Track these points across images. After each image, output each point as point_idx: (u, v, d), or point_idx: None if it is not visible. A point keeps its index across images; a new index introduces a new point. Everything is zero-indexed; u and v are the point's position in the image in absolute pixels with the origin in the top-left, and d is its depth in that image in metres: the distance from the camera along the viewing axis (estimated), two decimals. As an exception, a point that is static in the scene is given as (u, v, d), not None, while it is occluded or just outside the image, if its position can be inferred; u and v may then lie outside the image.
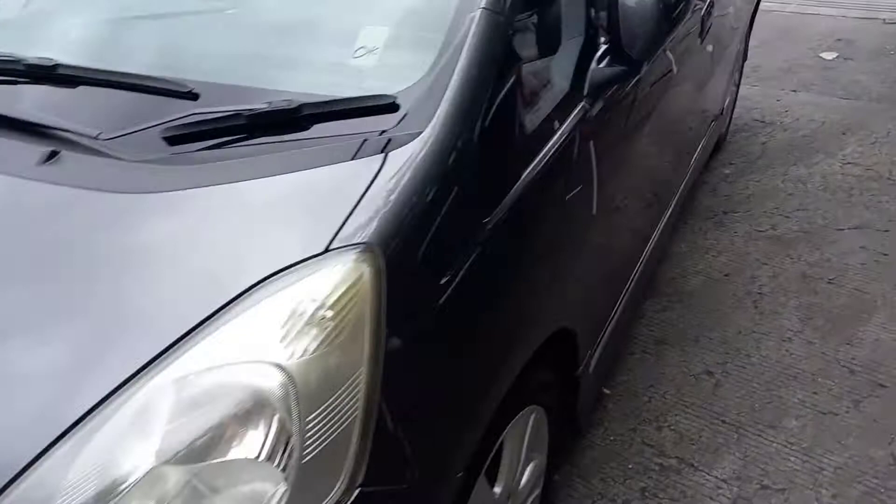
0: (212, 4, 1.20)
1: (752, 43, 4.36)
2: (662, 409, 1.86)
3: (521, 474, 1.26)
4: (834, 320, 2.15)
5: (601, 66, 1.24)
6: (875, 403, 1.85)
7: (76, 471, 0.67)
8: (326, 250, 0.78)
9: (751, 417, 1.82)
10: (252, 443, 0.71)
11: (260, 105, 0.93)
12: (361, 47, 1.00)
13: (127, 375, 0.71)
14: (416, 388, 0.82)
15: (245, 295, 0.74)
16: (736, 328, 2.14)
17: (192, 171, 0.88)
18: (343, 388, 0.74)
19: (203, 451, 0.69)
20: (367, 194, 0.83)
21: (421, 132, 0.89)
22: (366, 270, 0.77)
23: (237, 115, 0.93)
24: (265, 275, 0.75)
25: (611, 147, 1.36)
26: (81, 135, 0.95)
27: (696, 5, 1.76)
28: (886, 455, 1.69)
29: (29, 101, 1.07)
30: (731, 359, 2.02)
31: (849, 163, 3.09)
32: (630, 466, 1.70)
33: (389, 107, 0.93)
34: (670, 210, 2.16)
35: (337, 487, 0.75)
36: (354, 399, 0.75)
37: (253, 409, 0.71)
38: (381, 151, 0.87)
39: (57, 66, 1.04)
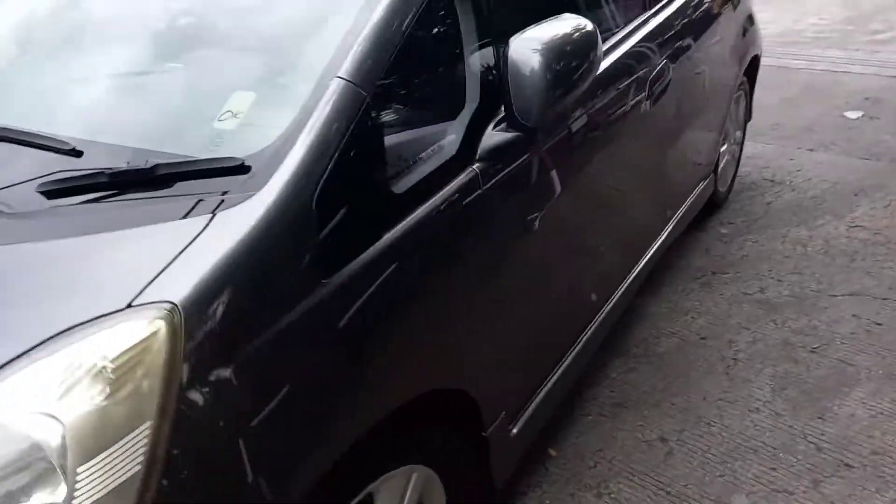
0: (105, 69, 1.30)
1: (773, 101, 4.31)
2: (607, 475, 1.79)
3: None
4: (809, 392, 2.03)
5: (496, 131, 1.27)
6: (836, 484, 1.72)
7: None
8: (128, 306, 0.82)
9: (698, 490, 1.73)
10: (24, 491, 0.74)
11: (120, 165, 0.99)
12: (227, 111, 1.06)
13: None
14: (216, 443, 0.84)
15: (36, 347, 0.78)
16: (702, 394, 2.05)
17: (30, 225, 0.95)
18: (125, 440, 0.77)
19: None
20: (183, 253, 0.86)
21: (254, 194, 0.93)
22: (162, 328, 0.80)
23: (100, 173, 0.99)
24: (62, 328, 0.79)
25: (517, 213, 1.37)
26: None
27: (622, 71, 1.76)
28: (838, 542, 1.57)
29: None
30: (689, 427, 1.93)
31: (857, 226, 2.96)
32: (560, 535, 1.64)
33: (239, 168, 0.98)
34: (634, 273, 2.11)
35: (113, 539, 0.76)
36: (137, 451, 0.77)
37: (27, 458, 0.74)
38: (211, 212, 0.91)
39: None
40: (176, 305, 0.81)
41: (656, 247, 2.28)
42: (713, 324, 2.37)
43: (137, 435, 0.78)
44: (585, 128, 1.55)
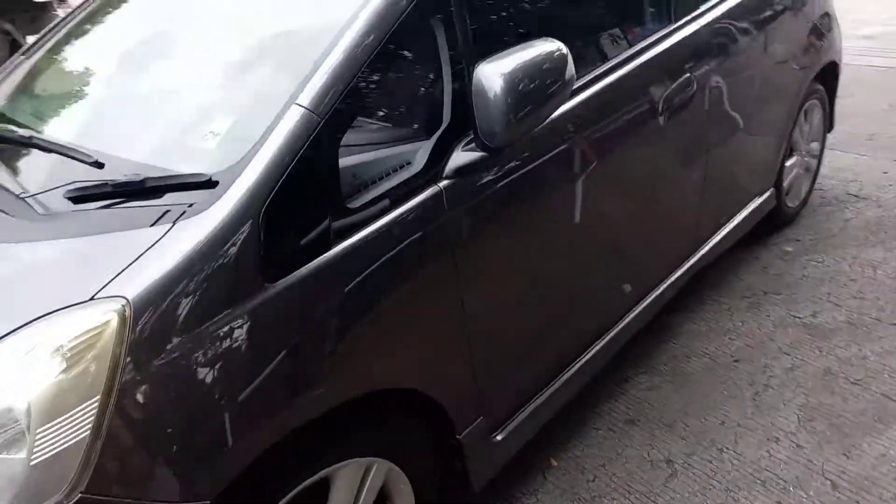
0: (130, 90, 1.50)
1: (878, 107, 4.00)
2: (603, 490, 1.80)
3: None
4: (840, 426, 1.92)
5: (464, 151, 1.34)
6: (845, 526, 1.64)
7: None
8: (91, 299, 0.98)
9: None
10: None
11: (120, 177, 1.18)
12: (210, 132, 1.21)
13: None
14: (152, 419, 0.99)
15: (13, 331, 0.96)
16: (720, 419, 1.99)
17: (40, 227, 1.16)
18: (76, 410, 0.93)
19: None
20: (142, 256, 1.02)
21: (212, 206, 1.07)
22: (114, 318, 0.96)
23: (105, 184, 1.18)
24: (37, 315, 0.97)
25: (490, 230, 1.43)
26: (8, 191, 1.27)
27: (636, 83, 1.76)
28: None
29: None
30: (700, 451, 1.89)
31: (944, 248, 2.72)
32: (544, 544, 1.67)
33: (207, 183, 1.12)
34: (658, 290, 2.09)
35: (62, 490, 0.93)
36: (85, 420, 0.93)
37: (3, 420, 0.92)
38: (172, 221, 1.06)
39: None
40: (128, 301, 0.97)
41: (688, 265, 2.22)
42: (751, 346, 2.28)
43: (86, 407, 0.94)
44: (585, 144, 1.58)
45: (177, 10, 1.69)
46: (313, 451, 1.20)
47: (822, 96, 2.91)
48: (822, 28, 2.69)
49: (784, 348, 2.25)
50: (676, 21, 1.94)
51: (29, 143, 1.36)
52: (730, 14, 2.12)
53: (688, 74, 1.91)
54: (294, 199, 1.11)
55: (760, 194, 2.62)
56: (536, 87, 1.29)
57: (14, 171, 1.37)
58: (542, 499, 1.80)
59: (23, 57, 1.90)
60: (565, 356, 1.81)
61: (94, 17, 1.85)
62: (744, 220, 2.52)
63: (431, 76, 1.37)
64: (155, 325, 0.98)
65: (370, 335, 1.23)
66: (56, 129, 1.49)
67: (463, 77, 1.33)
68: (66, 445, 0.93)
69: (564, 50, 1.34)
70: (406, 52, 1.34)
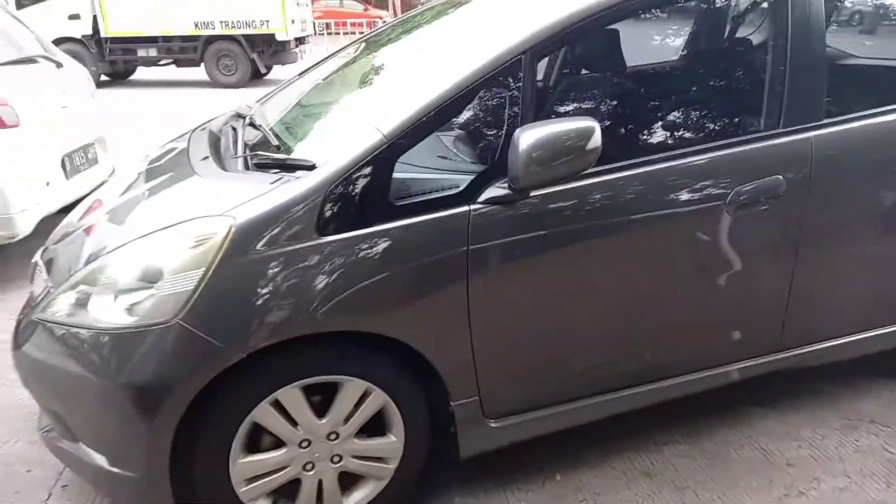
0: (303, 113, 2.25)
1: None
2: (581, 491, 2.03)
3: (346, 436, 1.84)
4: (853, 552, 1.85)
5: (497, 187, 1.78)
6: None
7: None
8: (220, 215, 1.68)
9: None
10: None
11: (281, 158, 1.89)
12: (327, 140, 1.86)
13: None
14: (231, 290, 1.64)
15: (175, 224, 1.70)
16: (734, 502, 2.04)
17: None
18: (191, 272, 1.63)
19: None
20: (253, 200, 1.69)
21: (300, 181, 1.70)
22: (224, 228, 1.64)
23: (268, 160, 1.90)
24: (190, 217, 1.70)
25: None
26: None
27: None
28: None
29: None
30: (692, 518, 1.99)
31: None
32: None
33: (311, 167, 1.76)
34: (713, 370, 2.20)
35: (173, 314, 1.62)
36: (194, 278, 1.62)
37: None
38: (282, 183, 1.72)
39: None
40: (235, 220, 1.65)
41: (763, 360, 2.26)
42: (815, 458, 2.23)
43: (196, 272, 1.63)
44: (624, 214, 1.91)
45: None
46: (332, 360, 1.77)
47: None
48: None
49: (848, 472, 2.17)
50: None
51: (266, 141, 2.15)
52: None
53: (778, 176, 2.04)
54: (352, 188, 1.69)
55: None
56: (554, 153, 1.69)
57: (245, 148, 2.17)
58: (531, 497, 2.09)
59: (297, 78, 2.84)
60: (582, 388, 2.08)
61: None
62: (859, 340, 2.41)
63: (494, 129, 1.85)
64: (244, 238, 1.64)
65: (384, 294, 1.74)
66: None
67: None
68: (182, 289, 1.63)
69: (593, 126, 1.71)
70: (477, 107, 1.85)
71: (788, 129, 2.08)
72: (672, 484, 2.14)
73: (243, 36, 11.70)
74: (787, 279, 2.19)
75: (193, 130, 2.65)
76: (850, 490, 2.09)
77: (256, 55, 11.88)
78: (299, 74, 2.90)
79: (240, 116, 2.54)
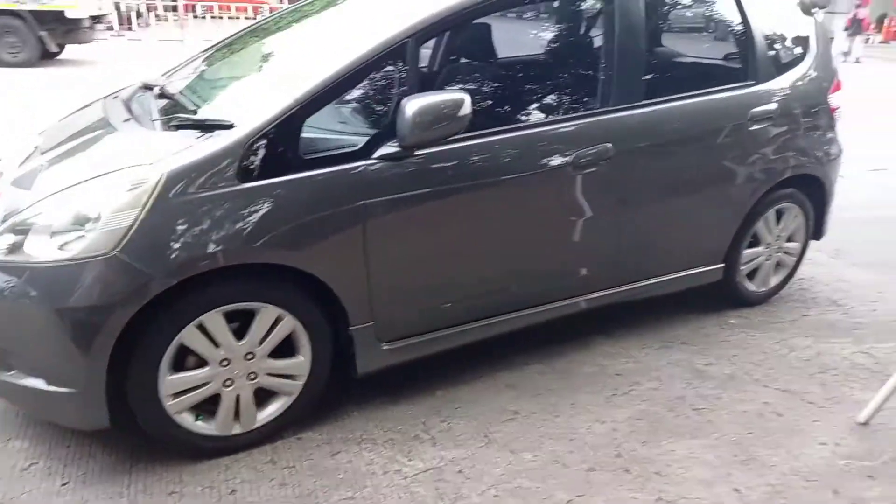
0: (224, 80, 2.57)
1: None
2: (456, 415, 2.49)
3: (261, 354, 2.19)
4: (655, 429, 2.45)
5: (389, 146, 2.19)
6: (606, 477, 2.20)
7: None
8: (151, 164, 1.97)
9: (480, 442, 2.35)
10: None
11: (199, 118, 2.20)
12: (250, 104, 2.20)
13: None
14: (158, 225, 1.94)
15: (115, 171, 1.98)
16: (573, 401, 2.59)
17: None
18: (129, 210, 1.91)
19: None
20: (182, 151, 2.00)
21: (221, 136, 2.03)
22: (156, 176, 1.94)
23: (189, 121, 2.19)
24: (127, 166, 1.98)
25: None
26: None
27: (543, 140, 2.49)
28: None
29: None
30: (543, 413, 2.51)
31: (865, 352, 3.04)
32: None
33: (230, 126, 2.08)
34: (555, 304, 2.74)
35: (110, 247, 1.90)
36: (131, 216, 1.91)
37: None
38: (204, 139, 2.04)
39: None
40: (166, 168, 1.95)
41: (600, 294, 2.84)
42: (639, 370, 2.83)
43: (133, 210, 1.92)
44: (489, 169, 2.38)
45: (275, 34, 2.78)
46: (250, 289, 2.11)
47: (799, 202, 3.34)
48: (794, 134, 3.15)
49: (661, 377, 2.79)
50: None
51: (182, 106, 2.43)
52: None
53: (607, 144, 2.60)
54: (268, 142, 2.04)
55: (705, 265, 3.14)
56: (434, 118, 2.12)
57: (161, 112, 2.44)
58: (414, 409, 2.52)
59: (200, 54, 3.10)
60: (459, 316, 2.55)
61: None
62: (676, 279, 3.07)
63: (386, 99, 2.26)
64: (174, 183, 1.95)
65: (296, 233, 2.10)
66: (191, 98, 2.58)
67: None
68: (119, 226, 1.91)
69: (464, 98, 2.16)
70: (373, 80, 2.25)
71: (616, 107, 2.66)
72: (530, 392, 2.66)
73: (28, 11, 10.83)
74: (617, 227, 2.77)
75: (101, 99, 2.86)
76: (660, 389, 2.71)
77: (45, 33, 11.00)
78: (202, 52, 3.16)
79: (148, 87, 2.78)
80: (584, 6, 2.96)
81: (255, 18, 18.19)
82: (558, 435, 2.40)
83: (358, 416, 2.45)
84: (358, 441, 2.32)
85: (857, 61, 17.98)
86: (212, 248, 1.99)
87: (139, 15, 18.05)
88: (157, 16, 18.49)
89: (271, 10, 20.53)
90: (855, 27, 18.17)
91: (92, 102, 2.94)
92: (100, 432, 2.21)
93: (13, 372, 2.06)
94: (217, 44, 3.19)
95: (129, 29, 17.09)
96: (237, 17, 17.98)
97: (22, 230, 2.00)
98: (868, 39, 21.88)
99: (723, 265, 3.21)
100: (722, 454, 2.34)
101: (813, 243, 3.69)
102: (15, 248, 1.98)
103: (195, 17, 19.57)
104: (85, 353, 1.94)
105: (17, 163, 2.51)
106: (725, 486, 2.19)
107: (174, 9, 18.34)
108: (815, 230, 3.52)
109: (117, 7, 16.85)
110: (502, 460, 2.26)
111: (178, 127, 2.23)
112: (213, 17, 17.98)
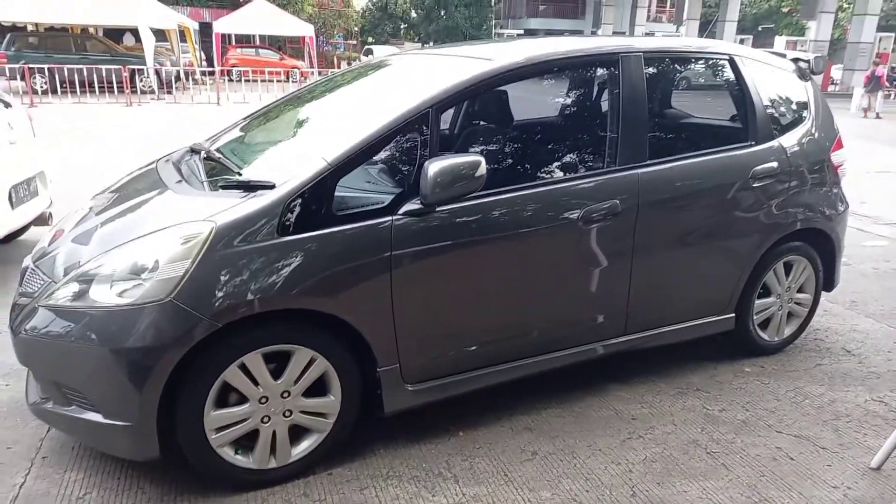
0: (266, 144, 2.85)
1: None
2: (478, 454, 2.62)
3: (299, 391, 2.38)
4: (666, 470, 2.55)
5: (412, 203, 2.42)
6: None
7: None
8: (204, 220, 2.21)
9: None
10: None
11: (243, 180, 2.45)
12: (283, 167, 2.45)
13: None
14: (208, 275, 2.16)
15: (169, 226, 2.23)
16: (589, 443, 2.71)
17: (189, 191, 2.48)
18: (180, 262, 2.15)
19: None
20: (229, 209, 2.24)
21: (263, 197, 2.28)
22: (207, 229, 2.18)
23: (233, 182, 2.45)
24: (180, 222, 2.23)
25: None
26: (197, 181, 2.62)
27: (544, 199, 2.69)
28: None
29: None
30: (559, 454, 2.63)
31: (878, 400, 3.11)
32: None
33: (271, 186, 2.33)
34: (571, 350, 2.90)
35: (166, 294, 2.13)
36: (183, 267, 2.14)
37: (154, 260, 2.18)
38: (250, 198, 2.28)
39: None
40: (215, 223, 2.19)
41: (612, 342, 2.99)
42: (652, 414, 2.94)
43: (185, 262, 2.15)
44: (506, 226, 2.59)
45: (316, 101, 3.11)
46: (286, 333, 2.31)
47: (807, 254, 3.48)
48: (795, 201, 3.32)
49: (675, 421, 2.89)
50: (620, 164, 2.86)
51: (226, 168, 2.71)
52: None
53: (615, 200, 2.80)
54: (304, 202, 2.28)
55: (714, 315, 3.27)
56: (453, 178, 2.35)
57: (208, 174, 2.72)
58: (439, 448, 2.67)
59: (241, 121, 3.41)
60: (481, 360, 2.71)
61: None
62: (689, 327, 3.20)
63: (410, 161, 2.50)
64: (222, 237, 2.19)
65: (329, 282, 2.31)
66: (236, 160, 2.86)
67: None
68: (172, 275, 2.14)
69: (480, 161, 2.39)
70: (398, 145, 2.50)
71: (622, 166, 2.87)
72: (547, 434, 2.78)
73: None
74: (627, 278, 2.94)
75: (154, 162, 3.16)
76: (674, 433, 2.81)
77: None
78: (242, 119, 3.47)
79: (195, 151, 3.08)
80: (592, 75, 3.21)
81: (286, 81, 19.25)
82: (575, 475, 2.51)
83: (384, 454, 2.60)
84: (384, 477, 2.46)
85: (878, 116, 18.12)
86: (252, 295, 2.20)
87: (177, 79, 19.04)
88: (194, 80, 19.54)
89: (302, 74, 21.58)
90: (874, 84, 18.39)
91: (143, 166, 3.24)
92: (147, 467, 2.40)
93: (72, 407, 2.28)
94: (255, 112, 3.51)
95: (169, 93, 18.01)
96: (270, 81, 18.84)
97: (86, 280, 2.24)
98: (890, 95, 22.07)
99: (734, 315, 3.34)
100: (734, 496, 2.43)
101: (829, 294, 3.79)
102: (80, 296, 2.23)
103: (230, 80, 20.62)
104: (139, 390, 2.14)
105: (72, 223, 2.79)
106: (736, 525, 2.28)
107: (211, 73, 19.30)
108: (826, 282, 3.64)
109: (157, 73, 17.87)
110: (521, 498, 2.38)
111: (224, 187, 2.49)
112: (247, 81, 18.88)
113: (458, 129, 3.43)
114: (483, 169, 2.41)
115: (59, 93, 16.30)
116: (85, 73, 15.72)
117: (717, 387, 3.21)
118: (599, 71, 3.13)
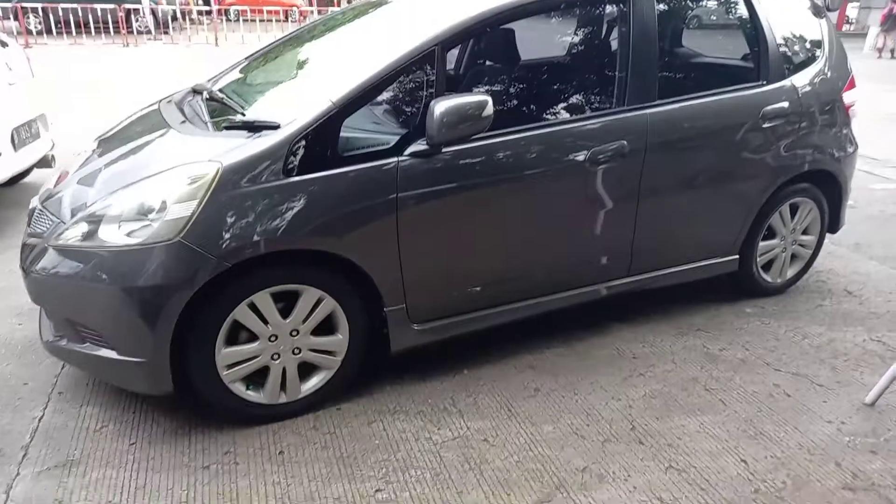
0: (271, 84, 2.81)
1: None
2: (482, 390, 2.69)
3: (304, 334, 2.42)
4: (666, 407, 2.62)
5: (418, 144, 2.40)
6: (619, 447, 2.38)
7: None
8: (209, 161, 2.21)
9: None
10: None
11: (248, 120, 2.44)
12: (288, 108, 2.42)
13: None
14: (215, 216, 2.17)
15: (176, 166, 2.23)
16: (592, 380, 2.77)
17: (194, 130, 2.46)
18: (188, 202, 2.16)
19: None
20: (234, 149, 2.24)
21: (268, 136, 2.26)
22: (213, 170, 2.18)
23: (238, 123, 2.44)
24: (186, 162, 2.23)
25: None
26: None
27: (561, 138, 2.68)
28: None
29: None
30: (561, 390, 2.70)
31: (878, 340, 3.16)
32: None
33: (276, 126, 2.32)
34: (576, 290, 2.93)
35: (175, 234, 2.14)
36: (190, 207, 2.15)
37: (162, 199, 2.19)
38: (253, 138, 2.27)
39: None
40: (221, 164, 2.19)
41: (616, 283, 3.02)
42: (654, 353, 3.00)
43: (192, 202, 2.16)
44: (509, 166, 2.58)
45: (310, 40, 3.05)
46: (295, 272, 2.34)
47: (814, 196, 3.46)
48: (804, 142, 3.28)
49: (675, 360, 2.95)
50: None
51: (230, 108, 2.68)
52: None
53: (623, 141, 2.77)
54: (309, 143, 2.27)
55: (719, 256, 3.29)
56: (459, 118, 2.33)
57: (211, 114, 2.70)
58: (444, 385, 2.74)
59: (242, 61, 3.35)
60: (486, 301, 2.75)
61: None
62: (692, 269, 3.22)
63: (416, 101, 2.47)
64: (228, 178, 2.19)
65: (337, 223, 2.33)
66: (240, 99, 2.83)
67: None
68: (180, 215, 2.15)
69: (487, 100, 2.36)
70: (403, 84, 2.47)
71: (630, 107, 2.83)
72: (549, 372, 2.84)
73: None
74: (632, 219, 2.94)
75: (157, 103, 3.12)
76: (674, 371, 2.87)
77: None
78: (244, 59, 3.41)
79: (197, 92, 3.04)
80: (602, 12, 3.13)
81: (284, 21, 18.79)
82: (576, 410, 2.59)
83: (391, 391, 2.67)
84: (392, 412, 2.54)
85: (893, 56, 17.70)
86: (260, 235, 2.22)
87: (174, 19, 18.61)
88: (191, 20, 19.10)
89: (301, 13, 21.05)
90: (890, 22, 17.88)
91: (146, 107, 3.21)
92: (161, 401, 2.47)
93: (86, 344, 2.33)
94: (256, 52, 3.45)
95: (166, 33, 17.64)
96: (269, 20, 18.41)
97: (94, 220, 2.26)
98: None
99: (738, 257, 3.35)
100: (731, 429, 2.50)
101: (834, 236, 3.78)
102: (89, 236, 2.24)
103: (228, 20, 20.14)
104: (151, 328, 2.19)
105: (75, 165, 2.79)
106: (733, 457, 2.35)
107: (208, 13, 18.85)
108: (831, 224, 3.64)
109: (154, 13, 17.46)
110: (524, 431, 2.45)
111: (229, 128, 2.47)
112: (245, 21, 18.45)
113: (464, 69, 3.37)
114: (490, 109, 2.38)
115: (55, 33, 15.98)
116: (80, 13, 15.37)
117: (718, 327, 3.26)
118: (610, 8, 3.05)
